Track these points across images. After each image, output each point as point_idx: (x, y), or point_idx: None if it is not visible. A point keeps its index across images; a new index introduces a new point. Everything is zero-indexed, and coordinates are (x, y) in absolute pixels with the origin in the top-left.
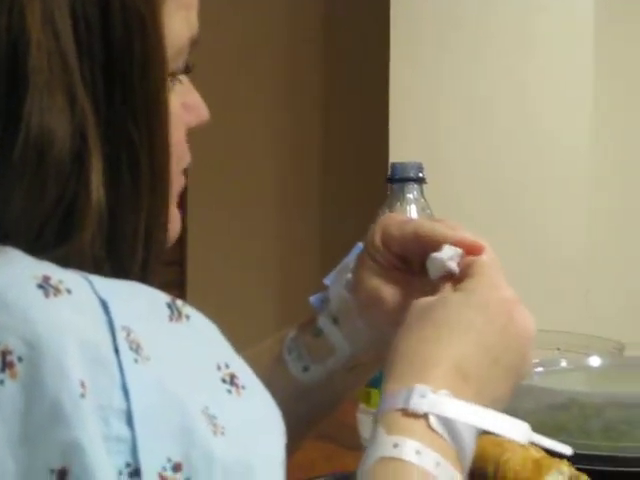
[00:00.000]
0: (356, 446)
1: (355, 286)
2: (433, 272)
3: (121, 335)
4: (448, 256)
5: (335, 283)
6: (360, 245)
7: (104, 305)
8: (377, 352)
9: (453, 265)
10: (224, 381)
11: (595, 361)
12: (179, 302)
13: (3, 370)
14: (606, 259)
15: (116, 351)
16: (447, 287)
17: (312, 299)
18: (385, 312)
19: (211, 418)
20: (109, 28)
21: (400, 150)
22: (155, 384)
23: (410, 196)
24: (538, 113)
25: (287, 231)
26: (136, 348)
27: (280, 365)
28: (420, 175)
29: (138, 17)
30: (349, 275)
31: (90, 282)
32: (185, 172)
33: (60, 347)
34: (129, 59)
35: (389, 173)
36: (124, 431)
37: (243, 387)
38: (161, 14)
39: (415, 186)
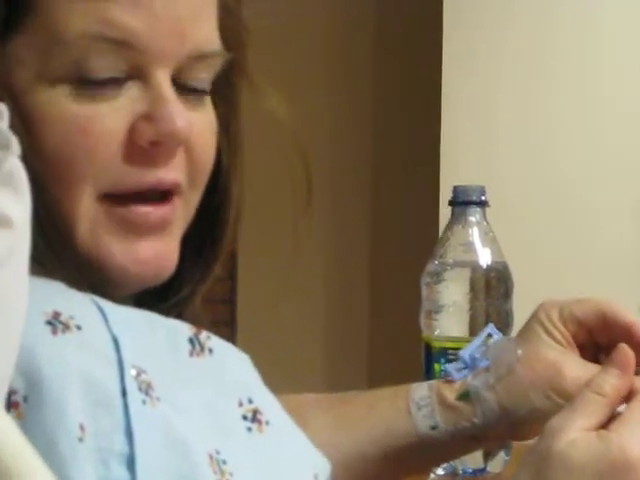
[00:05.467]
0: None
1: (528, 359)
2: None
3: (130, 374)
4: None
5: (498, 357)
6: (491, 326)
7: (115, 342)
8: (506, 431)
9: None
10: (245, 418)
11: None
12: (203, 335)
13: (9, 410)
14: None
15: (123, 392)
16: (589, 414)
17: (449, 367)
18: (562, 386)
19: (219, 463)
20: None
21: (451, 174)
22: (161, 427)
23: (472, 219)
24: (600, 130)
25: (336, 264)
26: (146, 388)
27: (404, 418)
28: (483, 198)
29: None
30: (519, 351)
31: (105, 316)
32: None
33: (62, 388)
34: None
35: (451, 196)
36: (124, 475)
37: (267, 422)
38: None
39: (477, 209)
